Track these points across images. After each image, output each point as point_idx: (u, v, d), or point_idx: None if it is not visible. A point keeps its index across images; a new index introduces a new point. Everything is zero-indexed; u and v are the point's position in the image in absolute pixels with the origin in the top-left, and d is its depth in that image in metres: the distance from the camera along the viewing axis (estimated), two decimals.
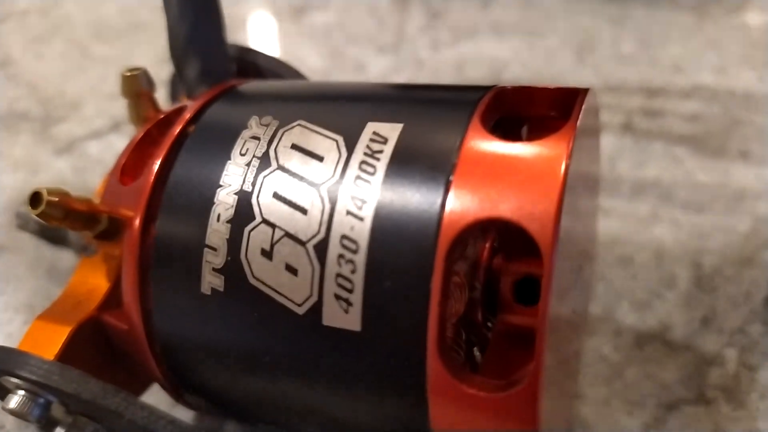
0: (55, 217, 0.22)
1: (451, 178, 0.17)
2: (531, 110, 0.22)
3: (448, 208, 0.17)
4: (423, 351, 0.17)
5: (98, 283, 0.24)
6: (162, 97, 0.25)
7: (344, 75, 0.42)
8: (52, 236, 0.30)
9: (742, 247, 0.35)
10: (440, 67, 0.42)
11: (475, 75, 0.41)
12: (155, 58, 0.43)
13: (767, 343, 0.32)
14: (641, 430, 0.29)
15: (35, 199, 0.22)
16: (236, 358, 0.20)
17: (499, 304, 0.21)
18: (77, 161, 0.37)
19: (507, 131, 0.23)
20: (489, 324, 0.22)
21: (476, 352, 0.22)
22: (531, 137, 0.23)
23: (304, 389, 0.20)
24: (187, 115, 0.22)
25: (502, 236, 0.21)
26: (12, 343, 0.32)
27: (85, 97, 0.40)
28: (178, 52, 0.25)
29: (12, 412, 0.22)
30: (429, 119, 0.19)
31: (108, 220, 0.23)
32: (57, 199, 0.22)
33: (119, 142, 0.38)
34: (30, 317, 0.33)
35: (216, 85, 0.25)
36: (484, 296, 0.21)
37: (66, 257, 0.34)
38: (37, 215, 0.22)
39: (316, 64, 0.43)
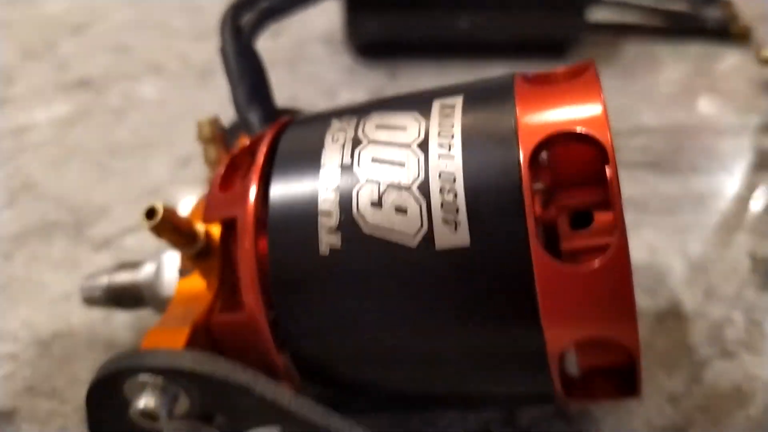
0: (165, 229, 0.25)
1: (516, 110, 0.22)
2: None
3: (520, 130, 0.22)
4: (526, 245, 0.21)
5: (201, 293, 0.26)
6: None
7: None
8: (120, 300, 0.32)
9: (718, 234, 0.41)
10: None
11: None
12: (172, 165, 0.47)
13: (765, 300, 0.36)
14: (684, 387, 0.32)
15: (151, 212, 0.25)
16: (359, 311, 0.23)
17: (559, 239, 0.25)
18: (117, 253, 0.39)
19: None
20: None
21: None
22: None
23: (426, 321, 0.22)
24: (277, 126, 0.27)
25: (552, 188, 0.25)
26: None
27: (113, 202, 0.43)
28: (242, 105, 0.30)
29: (143, 413, 0.23)
30: (481, 86, 0.24)
31: (205, 240, 0.26)
32: (170, 212, 0.25)
33: None
34: None
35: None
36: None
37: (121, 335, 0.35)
38: (151, 228, 0.25)
39: None
